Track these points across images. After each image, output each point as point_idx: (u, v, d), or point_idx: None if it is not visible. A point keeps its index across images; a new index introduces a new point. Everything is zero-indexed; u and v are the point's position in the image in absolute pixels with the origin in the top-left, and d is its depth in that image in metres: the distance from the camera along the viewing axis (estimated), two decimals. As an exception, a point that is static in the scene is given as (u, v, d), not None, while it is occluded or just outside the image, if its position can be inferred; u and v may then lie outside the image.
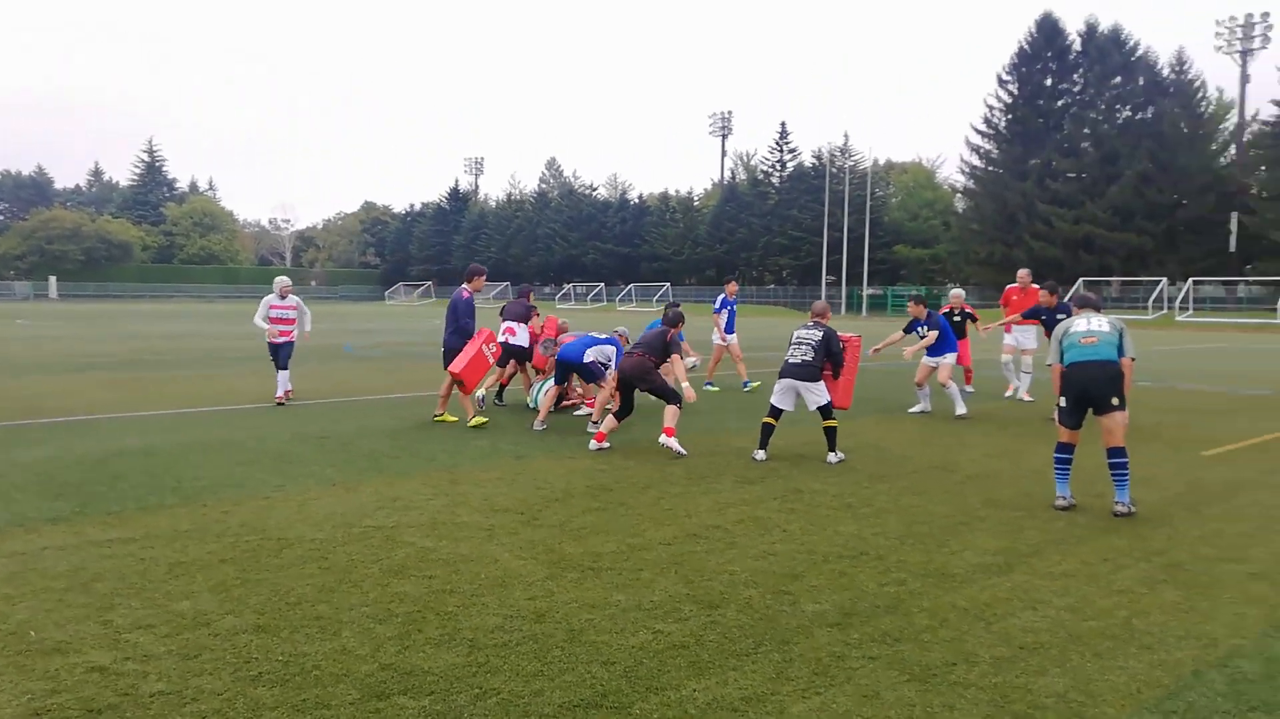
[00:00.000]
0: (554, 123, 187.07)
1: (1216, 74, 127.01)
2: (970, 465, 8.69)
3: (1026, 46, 69.95)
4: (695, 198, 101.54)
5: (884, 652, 4.25)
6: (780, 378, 9.05)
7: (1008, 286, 14.59)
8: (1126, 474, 6.82)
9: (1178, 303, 56.98)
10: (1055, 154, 67.68)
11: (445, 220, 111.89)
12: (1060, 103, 69.57)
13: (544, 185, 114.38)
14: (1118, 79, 66.72)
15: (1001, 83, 71.39)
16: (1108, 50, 66.54)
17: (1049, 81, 69.60)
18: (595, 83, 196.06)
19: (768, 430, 8.98)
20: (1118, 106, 67.16)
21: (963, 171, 75.49)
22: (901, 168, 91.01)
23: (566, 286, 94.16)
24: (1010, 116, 70.80)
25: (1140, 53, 66.49)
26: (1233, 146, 66.58)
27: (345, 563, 5.43)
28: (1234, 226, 62.04)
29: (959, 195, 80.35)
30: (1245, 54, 64.61)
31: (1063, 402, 6.95)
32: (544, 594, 4.92)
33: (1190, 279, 58.85)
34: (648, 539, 5.95)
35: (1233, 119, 67.05)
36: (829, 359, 9.05)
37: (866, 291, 72.87)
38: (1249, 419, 12.04)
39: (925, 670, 4.06)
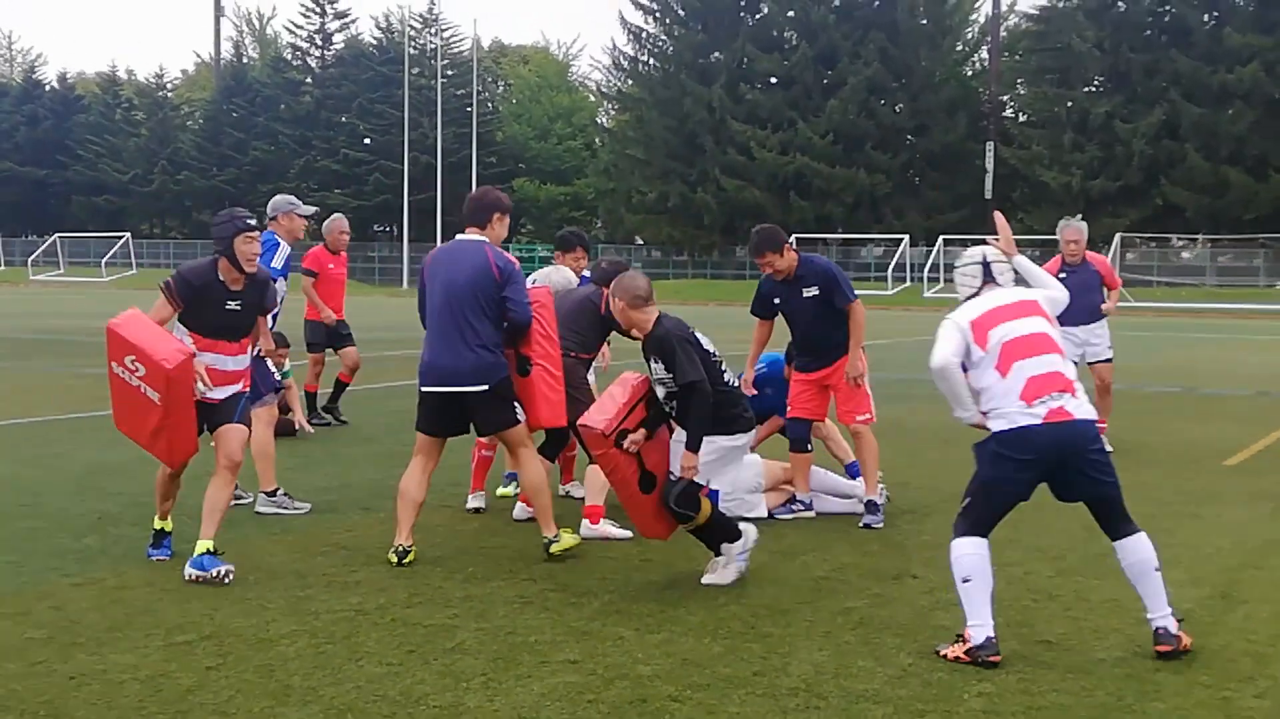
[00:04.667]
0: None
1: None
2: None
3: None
4: (167, 85, 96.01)
5: None
6: None
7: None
8: None
9: (926, 270, 61.05)
10: (751, 47, 70.55)
11: None
12: (757, -31, 72.77)
13: None
14: (835, -60, 70.97)
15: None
16: (821, -104, 70.51)
17: (740, -63, 72.54)
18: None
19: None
20: (836, -18, 71.46)
21: (618, 66, 76.49)
22: (521, 55, 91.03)
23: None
24: (686, -16, 72.88)
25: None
26: (984, 49, 73.30)
27: None
28: (990, 162, 68.18)
29: (609, 104, 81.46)
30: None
31: None
32: None
33: (941, 238, 63.32)
34: None
35: (984, 9, 73.83)
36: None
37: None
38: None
39: None
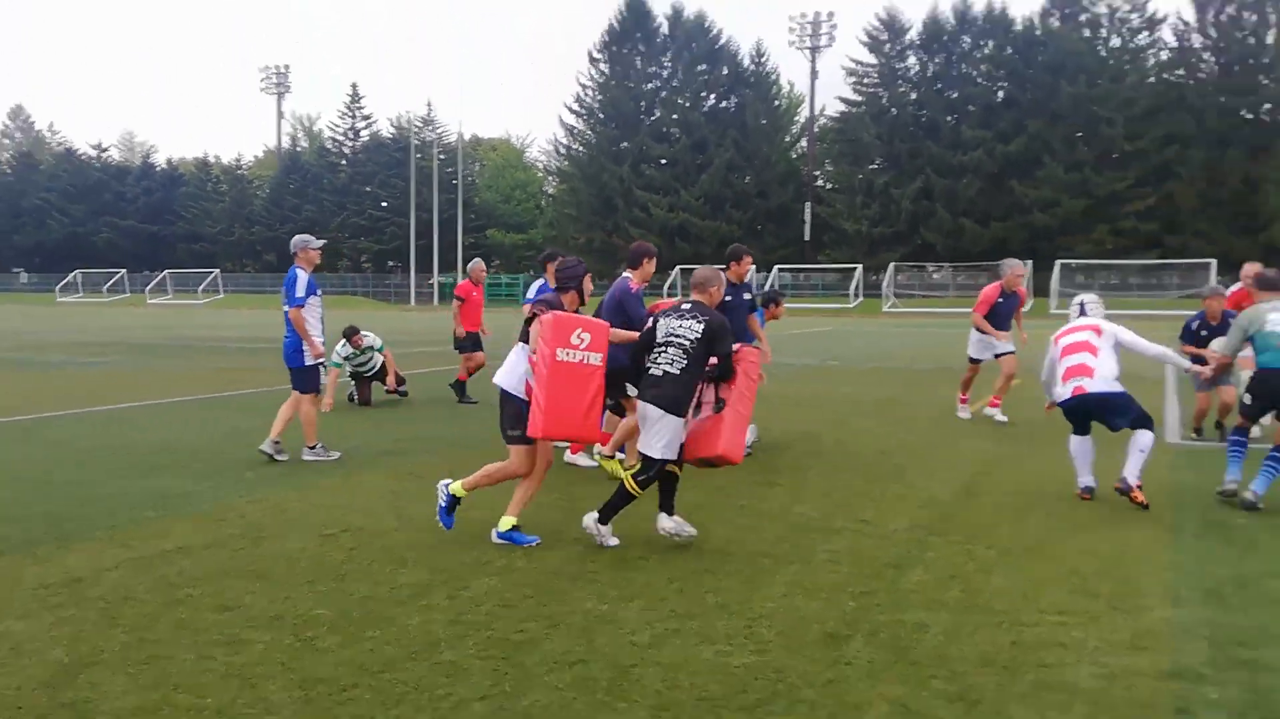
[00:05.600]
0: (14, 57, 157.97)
1: (789, 69, 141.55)
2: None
3: (617, 25, 72.31)
4: (244, 166, 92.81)
5: None
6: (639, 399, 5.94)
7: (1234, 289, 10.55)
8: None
9: (766, 288, 62.05)
10: (649, 139, 70.86)
11: None
12: (651, 86, 73.01)
13: (7, 140, 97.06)
14: (704, 66, 71.51)
15: (593, 61, 73.28)
16: (694, 36, 70.99)
17: (639, 63, 72.64)
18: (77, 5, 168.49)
19: (666, 486, 5.89)
20: (704, 94, 72.00)
21: (558, 151, 76.62)
22: (490, 144, 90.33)
23: (72, 274, 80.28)
24: (603, 97, 72.88)
25: (723, 42, 71.80)
26: (804, 139, 74.33)
27: None
28: (808, 216, 69.22)
29: (551, 178, 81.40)
30: (814, 50, 72.32)
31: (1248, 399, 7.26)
32: None
33: (775, 267, 64.40)
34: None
35: (804, 112, 74.93)
36: (709, 372, 5.80)
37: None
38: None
39: None
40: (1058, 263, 55.02)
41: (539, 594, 4.92)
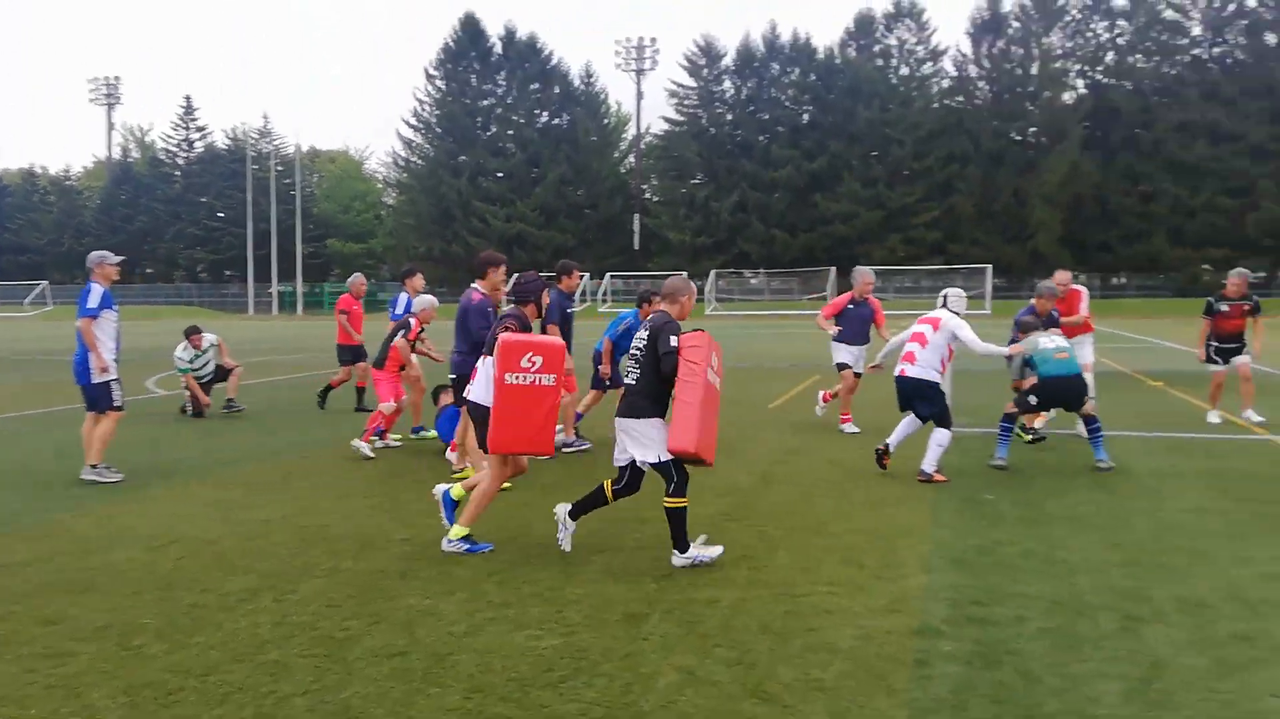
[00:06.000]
0: None
1: (617, 89, 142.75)
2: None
3: (452, 43, 71.37)
4: (73, 177, 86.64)
5: None
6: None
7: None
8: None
9: (599, 294, 62.42)
10: (485, 153, 70.29)
11: None
12: (486, 102, 72.40)
13: None
14: (536, 85, 71.53)
15: (429, 77, 72.06)
16: (527, 56, 70.85)
17: (474, 80, 71.90)
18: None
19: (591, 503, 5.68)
20: (537, 111, 71.96)
21: (396, 164, 74.92)
22: (329, 156, 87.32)
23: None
24: (440, 112, 71.81)
25: (555, 62, 71.95)
26: (631, 156, 75.32)
27: None
28: (636, 227, 70.22)
29: (390, 189, 79.53)
30: (639, 73, 73.39)
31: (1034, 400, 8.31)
32: None
33: (607, 274, 64.95)
34: None
35: (631, 130, 75.92)
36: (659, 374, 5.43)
37: (300, 289, 68.43)
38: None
39: None
40: (857, 268, 57.78)
41: (364, 593, 4.95)
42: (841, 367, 10.49)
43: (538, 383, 5.46)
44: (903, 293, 56.94)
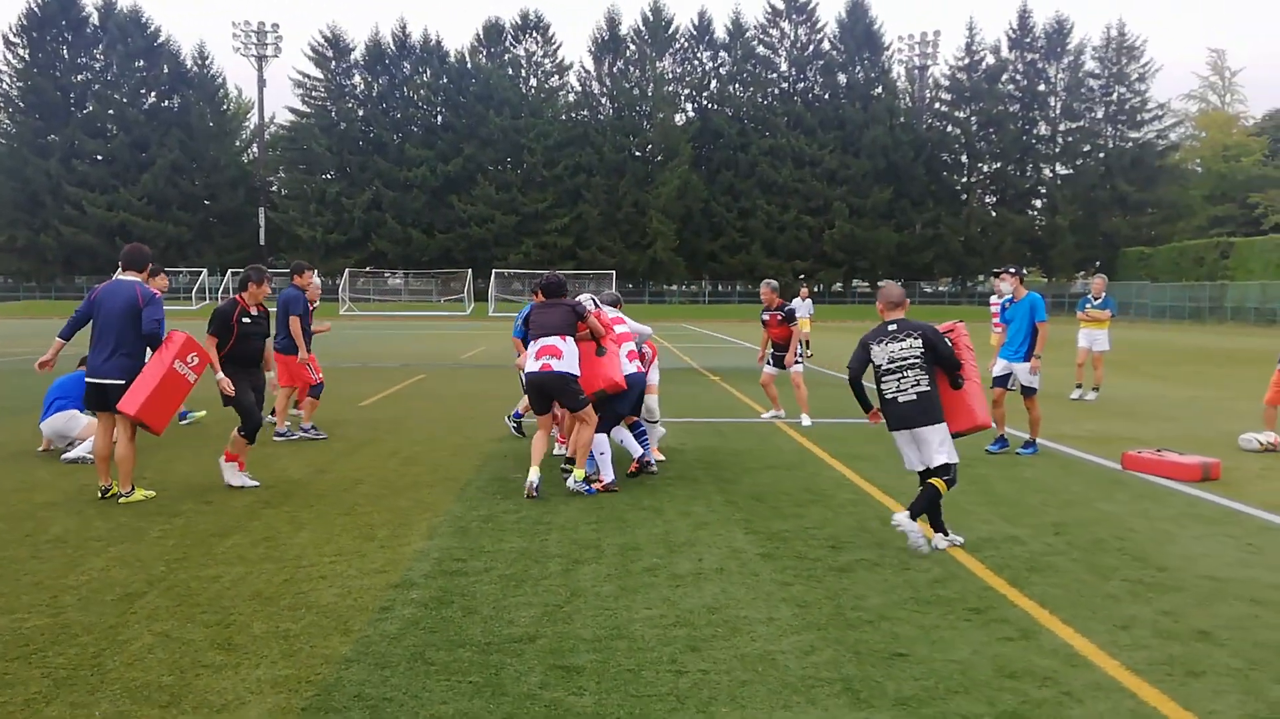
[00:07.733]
0: None
1: (236, 74, 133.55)
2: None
3: (37, 10, 63.36)
4: None
5: None
6: (892, 429, 6.05)
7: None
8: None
9: (220, 293, 58.65)
10: (81, 133, 63.39)
11: None
12: (81, 77, 65.33)
13: None
14: (142, 63, 65.61)
15: (9, 45, 63.67)
16: (129, 30, 64.71)
17: (66, 53, 64.49)
18: None
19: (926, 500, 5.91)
20: (143, 91, 66.10)
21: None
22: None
23: None
24: (24, 84, 63.54)
25: (163, 39, 66.41)
26: (255, 145, 71.33)
27: None
28: (262, 221, 66.76)
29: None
30: (261, 59, 69.56)
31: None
32: None
33: (229, 271, 61.17)
34: None
35: (254, 119, 71.85)
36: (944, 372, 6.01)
37: None
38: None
39: None
40: (494, 271, 59.43)
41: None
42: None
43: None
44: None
